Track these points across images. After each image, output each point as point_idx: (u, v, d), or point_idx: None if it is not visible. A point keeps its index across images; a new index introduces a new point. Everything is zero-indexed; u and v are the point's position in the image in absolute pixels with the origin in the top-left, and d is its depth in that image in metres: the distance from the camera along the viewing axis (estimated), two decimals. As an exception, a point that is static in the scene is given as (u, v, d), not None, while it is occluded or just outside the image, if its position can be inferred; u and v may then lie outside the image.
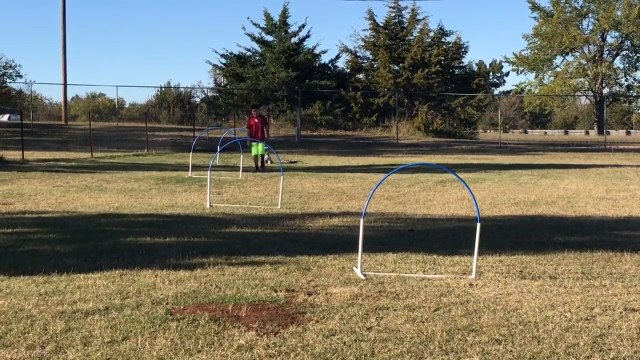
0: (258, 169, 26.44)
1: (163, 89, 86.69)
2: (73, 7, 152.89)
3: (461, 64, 69.39)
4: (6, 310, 7.29)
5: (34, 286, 8.26)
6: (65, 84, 62.18)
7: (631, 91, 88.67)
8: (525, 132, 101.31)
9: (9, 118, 68.64)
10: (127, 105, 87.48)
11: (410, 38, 67.17)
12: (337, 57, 68.86)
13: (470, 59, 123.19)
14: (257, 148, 26.20)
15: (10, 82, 78.99)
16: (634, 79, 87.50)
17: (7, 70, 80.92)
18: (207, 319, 7.04)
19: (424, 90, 63.79)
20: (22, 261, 9.60)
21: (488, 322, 7.11)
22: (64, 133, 50.02)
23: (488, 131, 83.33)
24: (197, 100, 79.09)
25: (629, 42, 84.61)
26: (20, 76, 76.69)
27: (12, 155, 30.34)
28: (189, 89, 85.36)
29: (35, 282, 8.45)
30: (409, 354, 6.17)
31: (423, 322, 7.10)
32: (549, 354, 6.24)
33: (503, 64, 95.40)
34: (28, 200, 16.52)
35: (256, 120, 27.35)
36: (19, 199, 16.71)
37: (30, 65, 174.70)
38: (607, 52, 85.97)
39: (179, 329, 6.73)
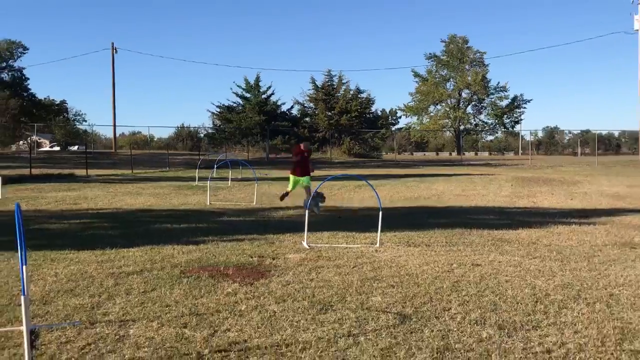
0: (286, 195, 15.13)
1: (179, 128, 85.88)
2: (120, 68, 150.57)
3: (371, 111, 69.80)
4: (76, 272, 7.18)
5: (94, 257, 8.14)
6: (114, 125, 61.33)
7: (477, 127, 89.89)
8: (412, 154, 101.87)
9: (78, 148, 67.62)
10: (155, 139, 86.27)
11: (338, 94, 67.44)
12: (292, 107, 68.77)
13: (376, 107, 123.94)
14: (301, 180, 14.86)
15: (79, 125, 78.39)
16: (479, 120, 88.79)
17: (77, 117, 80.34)
18: (207, 276, 7.00)
19: (347, 128, 64.07)
20: (87, 241, 9.45)
21: (387, 274, 7.17)
22: (114, 157, 49.29)
23: (388, 153, 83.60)
24: (202, 135, 78.30)
25: (476, 96, 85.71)
26: (85, 121, 76.74)
27: (80, 172, 29.85)
28: (196, 128, 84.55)
29: (95, 254, 8.33)
30: (337, 295, 6.21)
31: (346, 274, 7.14)
32: (424, 293, 6.31)
33: (397, 111, 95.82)
34: (90, 202, 16.25)
35: (305, 155, 15.27)
36: (85, 201, 16.43)
37: (91, 112, 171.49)
38: (462, 103, 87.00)
39: (188, 283, 6.69)
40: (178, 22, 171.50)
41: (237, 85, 65.30)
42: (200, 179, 24.36)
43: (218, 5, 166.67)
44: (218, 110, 65.67)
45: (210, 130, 70.18)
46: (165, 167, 37.87)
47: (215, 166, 25.96)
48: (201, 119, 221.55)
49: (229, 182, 23.81)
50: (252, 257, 8.15)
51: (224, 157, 37.07)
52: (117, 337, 4.94)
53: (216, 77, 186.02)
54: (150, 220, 12.28)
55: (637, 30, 53.00)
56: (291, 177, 14.89)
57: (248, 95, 64.86)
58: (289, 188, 14.90)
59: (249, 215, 13.33)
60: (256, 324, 5.25)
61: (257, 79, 64.70)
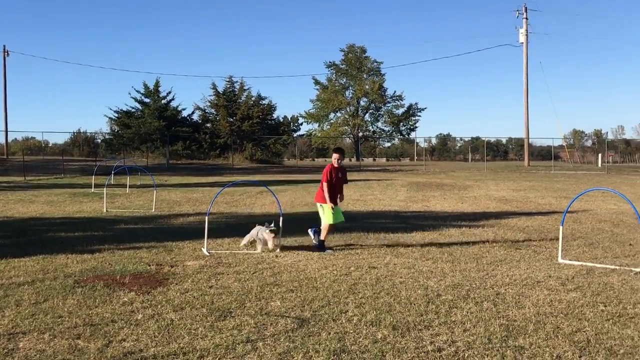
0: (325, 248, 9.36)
1: (75, 133, 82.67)
2: (13, 72, 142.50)
3: (272, 118, 69.83)
4: (-41, 285, 6.74)
5: (-20, 268, 7.68)
6: (6, 131, 58.53)
7: (375, 134, 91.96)
8: (314, 160, 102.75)
9: (-36, 154, 63.67)
10: (50, 145, 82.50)
11: (240, 101, 67.04)
12: (193, 112, 67.67)
13: (278, 114, 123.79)
14: (338, 215, 9.50)
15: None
16: (377, 127, 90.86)
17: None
18: (102, 285, 6.75)
19: (249, 134, 63.78)
20: (-28, 252, 8.91)
21: (286, 279, 7.18)
22: (6, 164, 46.63)
23: (290, 159, 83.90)
24: (99, 140, 75.49)
25: (373, 104, 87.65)
26: (-28, 125, 72.28)
27: (-33, 179, 28.17)
28: (93, 133, 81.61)
29: (-19, 265, 7.86)
30: (236, 301, 6.15)
31: (245, 281, 7.09)
32: (322, 296, 6.37)
33: (299, 117, 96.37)
34: (-22, 210, 15.33)
35: (339, 175, 9.58)
36: (-29, 209, 15.48)
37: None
38: (361, 111, 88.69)
39: (83, 292, 6.43)
40: (74, 26, 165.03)
41: (136, 90, 63.62)
42: (97, 185, 23.49)
43: (114, 9, 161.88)
44: (116, 115, 63.61)
45: (107, 136, 68.02)
46: (60, 174, 36.24)
47: (112, 172, 25.10)
48: (99, 124, 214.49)
49: (127, 188, 23.11)
50: (149, 265, 7.94)
51: (122, 163, 35.96)
52: (6, 350, 4.67)
53: (114, 81, 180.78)
54: (43, 229, 11.71)
55: (522, 43, 56.01)
56: (325, 206, 9.51)
57: (147, 100, 63.27)
58: (329, 221, 9.42)
59: (147, 223, 12.97)
60: (153, 333, 5.12)
61: (157, 84, 63.28)
